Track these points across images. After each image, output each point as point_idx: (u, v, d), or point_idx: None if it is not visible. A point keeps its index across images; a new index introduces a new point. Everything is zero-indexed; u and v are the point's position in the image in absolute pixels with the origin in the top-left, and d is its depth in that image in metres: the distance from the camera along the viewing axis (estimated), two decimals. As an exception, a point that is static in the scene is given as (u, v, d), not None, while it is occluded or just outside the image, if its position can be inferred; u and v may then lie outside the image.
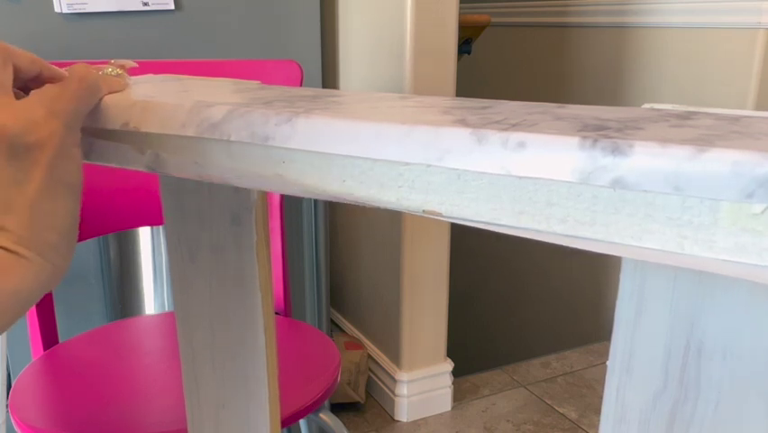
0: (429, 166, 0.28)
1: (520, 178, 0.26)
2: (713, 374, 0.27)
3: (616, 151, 0.24)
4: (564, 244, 0.26)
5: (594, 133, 0.26)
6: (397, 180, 0.29)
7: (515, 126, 0.27)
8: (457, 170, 0.27)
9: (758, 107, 1.62)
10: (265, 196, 0.40)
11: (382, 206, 0.30)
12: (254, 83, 0.43)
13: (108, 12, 1.26)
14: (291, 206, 1.49)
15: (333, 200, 0.32)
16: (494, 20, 2.09)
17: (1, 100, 0.33)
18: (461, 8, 1.45)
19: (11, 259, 0.32)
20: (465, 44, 1.91)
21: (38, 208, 0.33)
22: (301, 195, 0.33)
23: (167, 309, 1.43)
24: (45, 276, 0.33)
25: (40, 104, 0.34)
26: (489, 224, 0.27)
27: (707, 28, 1.68)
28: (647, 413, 0.29)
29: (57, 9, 1.22)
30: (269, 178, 0.34)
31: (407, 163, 0.29)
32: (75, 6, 1.23)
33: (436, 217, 0.29)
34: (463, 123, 0.28)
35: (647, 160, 0.24)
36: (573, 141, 0.25)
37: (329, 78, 1.70)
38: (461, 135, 0.27)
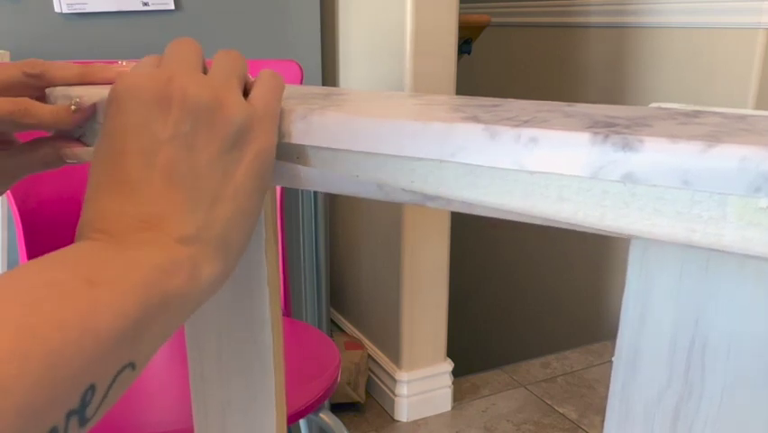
0: (442, 162, 0.28)
1: (532, 173, 0.26)
2: (717, 371, 0.27)
3: (626, 146, 0.24)
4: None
5: (604, 129, 0.26)
6: (410, 176, 0.30)
7: (526, 123, 0.27)
8: (470, 165, 0.28)
9: (758, 107, 1.62)
10: (275, 193, 0.41)
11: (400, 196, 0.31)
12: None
13: (108, 12, 1.26)
14: (291, 206, 1.49)
15: (346, 195, 0.32)
16: (494, 20, 2.10)
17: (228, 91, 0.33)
18: (461, 8, 1.45)
19: (204, 256, 0.30)
20: (465, 44, 1.91)
21: (237, 203, 0.31)
22: (314, 189, 0.33)
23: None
24: (219, 282, 0.31)
25: (254, 100, 0.34)
26: (498, 209, 0.28)
27: (707, 28, 1.69)
28: (652, 409, 0.30)
29: (57, 9, 1.22)
30: (282, 173, 0.34)
31: (421, 159, 0.29)
32: (75, 6, 1.23)
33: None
34: (475, 119, 0.29)
35: (657, 155, 0.24)
36: (585, 136, 0.25)
37: (329, 78, 1.70)
38: (474, 131, 0.28)
